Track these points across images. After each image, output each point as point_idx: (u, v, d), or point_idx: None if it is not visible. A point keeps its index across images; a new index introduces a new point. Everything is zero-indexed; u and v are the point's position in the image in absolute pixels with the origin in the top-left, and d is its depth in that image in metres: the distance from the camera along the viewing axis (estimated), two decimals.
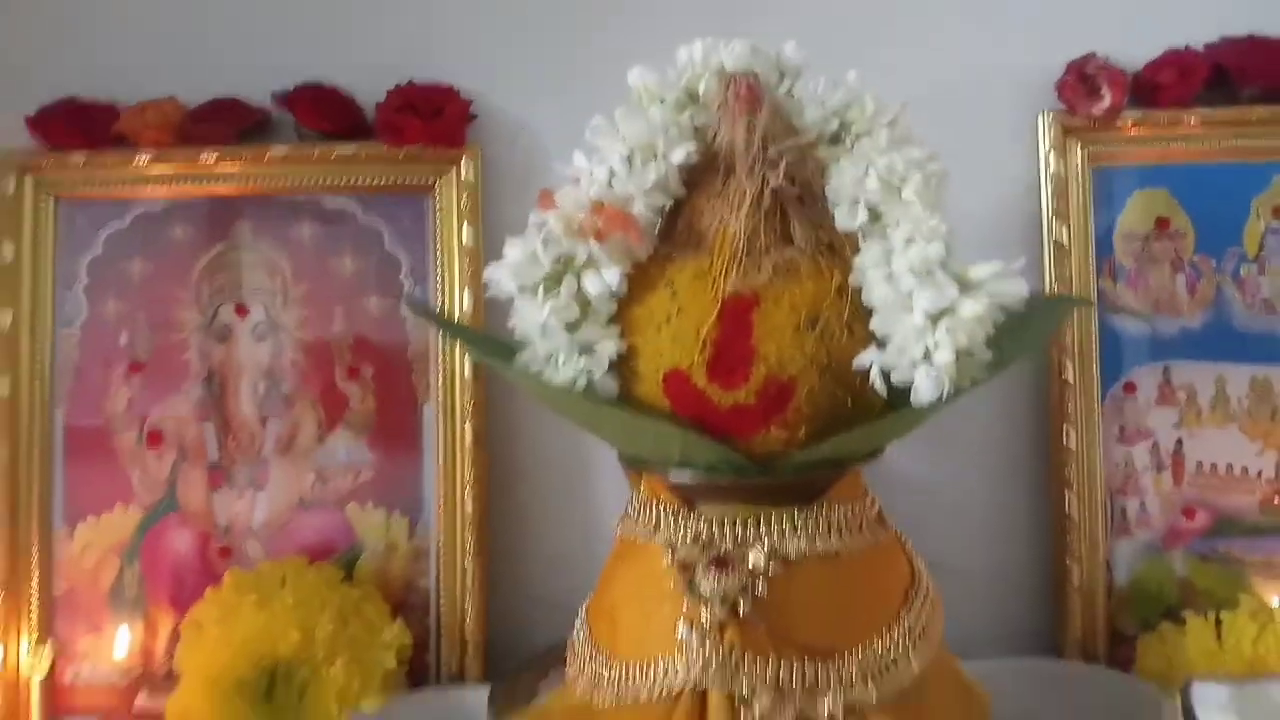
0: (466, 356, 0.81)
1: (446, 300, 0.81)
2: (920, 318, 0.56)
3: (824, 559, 0.59)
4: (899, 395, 0.58)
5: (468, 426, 0.81)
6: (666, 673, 0.56)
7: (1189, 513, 0.81)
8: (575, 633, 0.67)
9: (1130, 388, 0.81)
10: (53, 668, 0.77)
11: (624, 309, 0.61)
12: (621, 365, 0.61)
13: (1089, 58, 0.79)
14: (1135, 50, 0.81)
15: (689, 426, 0.58)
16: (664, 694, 0.56)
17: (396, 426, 0.82)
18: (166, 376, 0.82)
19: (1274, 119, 0.79)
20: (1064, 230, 0.80)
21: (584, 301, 0.60)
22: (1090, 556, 0.80)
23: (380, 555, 0.81)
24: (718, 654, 0.56)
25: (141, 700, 0.81)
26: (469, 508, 0.80)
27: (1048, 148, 0.80)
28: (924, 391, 0.56)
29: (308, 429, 0.82)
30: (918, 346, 0.56)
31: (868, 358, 0.57)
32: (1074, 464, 0.80)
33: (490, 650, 0.81)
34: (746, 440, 0.59)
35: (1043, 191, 0.81)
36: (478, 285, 0.81)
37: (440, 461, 0.81)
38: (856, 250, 0.59)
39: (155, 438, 0.82)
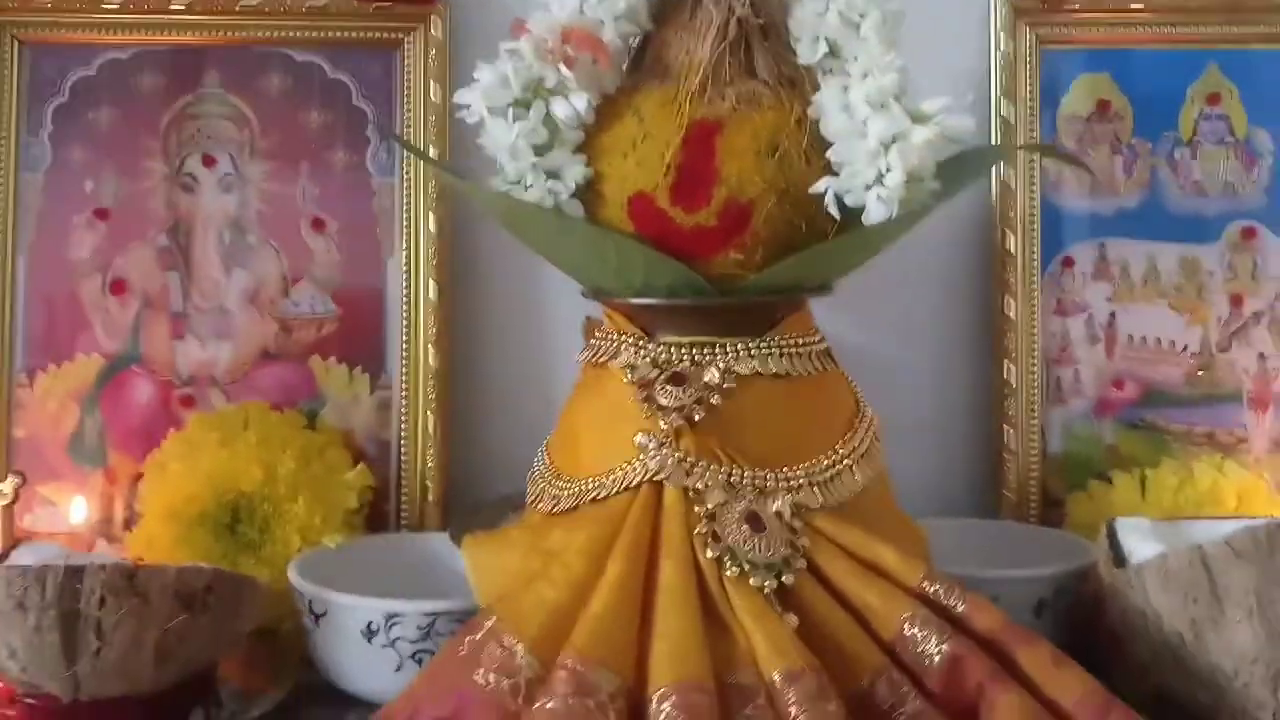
0: (432, 213, 0.82)
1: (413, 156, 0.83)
2: (874, 142, 0.59)
3: (774, 379, 0.63)
4: (851, 223, 0.61)
5: (431, 282, 0.82)
6: (625, 474, 0.59)
7: (1119, 384, 0.85)
8: (534, 467, 0.69)
9: (1069, 262, 0.85)
10: (14, 501, 0.78)
11: (591, 139, 0.63)
12: (587, 191, 0.63)
13: None
14: None
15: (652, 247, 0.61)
16: (623, 490, 0.59)
17: (360, 280, 0.83)
18: (132, 225, 0.83)
19: (1211, 7, 0.83)
20: (1011, 109, 0.84)
21: (552, 126, 0.62)
22: (1026, 423, 0.84)
23: (342, 408, 0.83)
24: (674, 457, 0.59)
25: (100, 549, 0.82)
26: (432, 362, 0.82)
27: (998, 28, 0.83)
28: (874, 213, 0.59)
29: (272, 280, 0.83)
30: (870, 170, 0.59)
31: (824, 183, 0.60)
32: (1013, 333, 0.84)
33: (448, 504, 0.83)
34: (706, 262, 0.62)
35: (992, 71, 0.84)
36: (443, 142, 0.82)
37: (404, 316, 0.83)
38: (816, 87, 0.62)
39: (119, 286, 0.83)
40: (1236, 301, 0.85)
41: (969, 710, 0.52)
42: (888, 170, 0.59)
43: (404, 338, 0.83)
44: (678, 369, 0.62)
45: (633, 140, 0.62)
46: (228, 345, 0.83)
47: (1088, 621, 0.68)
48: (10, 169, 0.82)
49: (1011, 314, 0.84)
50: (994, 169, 0.84)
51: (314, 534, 0.75)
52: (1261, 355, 0.85)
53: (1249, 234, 0.85)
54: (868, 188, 0.59)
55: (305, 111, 0.83)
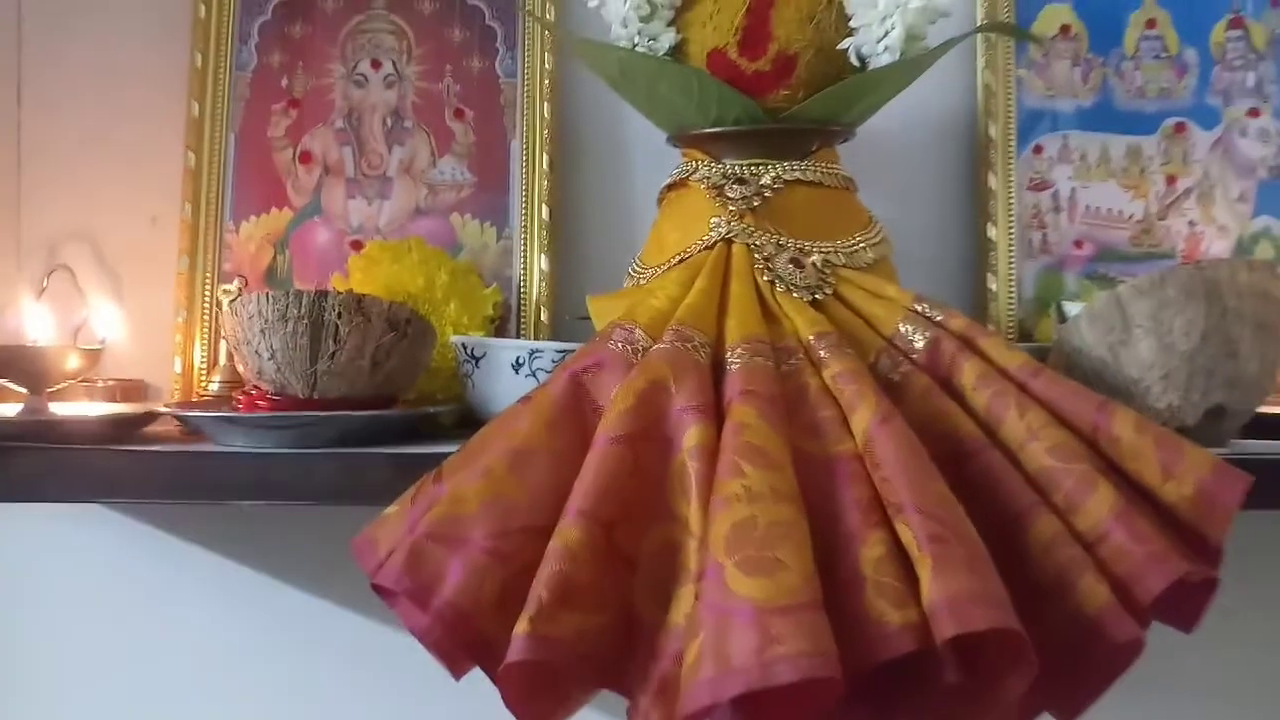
0: (547, 103, 1.08)
1: (531, 62, 1.08)
2: (882, 7, 0.84)
3: (811, 187, 0.87)
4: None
5: (544, 155, 1.07)
6: (704, 240, 0.83)
7: (1079, 244, 1.09)
8: (628, 275, 0.93)
9: (1038, 149, 1.09)
10: (237, 298, 1.03)
11: (680, 14, 0.89)
12: (677, 52, 0.88)
13: None
14: None
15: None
16: (702, 250, 0.83)
17: (490, 156, 1.08)
18: (316, 111, 1.09)
19: None
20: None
21: (653, 3, 0.88)
22: (1006, 273, 1.08)
23: (475, 253, 1.08)
24: (739, 225, 0.83)
25: None
26: (544, 216, 1.07)
27: None
28: (882, 59, 0.84)
29: (423, 155, 1.08)
30: (880, 29, 0.84)
31: (848, 41, 0.85)
32: (994, 202, 1.08)
33: (557, 326, 1.07)
34: (763, 98, 0.86)
35: (976, 4, 1.09)
36: (556, 52, 1.08)
37: (523, 182, 1.08)
38: None
39: (306, 157, 1.08)
40: (1171, 181, 1.08)
41: (945, 377, 0.75)
42: (893, 28, 0.83)
43: (523, 199, 1.07)
44: (741, 176, 0.86)
45: (710, 14, 0.87)
46: (388, 204, 1.08)
47: None
48: (227, 67, 1.08)
49: (993, 186, 1.08)
50: (979, 76, 1.09)
51: (462, 330, 0.98)
52: (1190, 222, 1.08)
53: (1180, 128, 1.09)
54: (878, 41, 0.84)
55: (449, 28, 1.09)
